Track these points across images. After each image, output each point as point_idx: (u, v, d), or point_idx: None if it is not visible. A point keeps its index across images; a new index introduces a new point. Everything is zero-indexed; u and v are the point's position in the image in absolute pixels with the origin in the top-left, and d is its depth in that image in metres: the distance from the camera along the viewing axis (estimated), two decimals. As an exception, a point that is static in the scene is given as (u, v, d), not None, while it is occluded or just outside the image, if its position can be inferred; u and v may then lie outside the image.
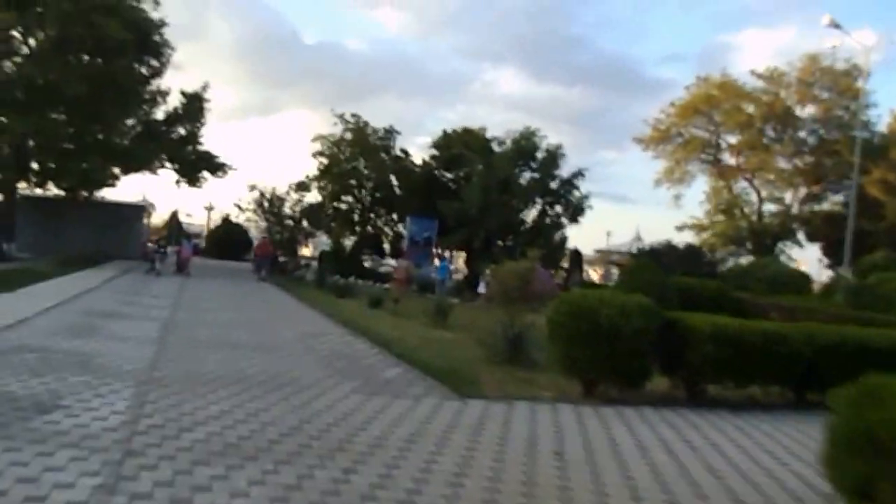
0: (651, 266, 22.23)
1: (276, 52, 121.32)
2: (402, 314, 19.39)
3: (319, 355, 11.01)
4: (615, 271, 42.57)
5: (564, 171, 35.22)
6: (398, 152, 43.05)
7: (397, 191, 42.53)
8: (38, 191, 32.48)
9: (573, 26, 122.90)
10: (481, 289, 26.41)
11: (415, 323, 17.53)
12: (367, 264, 36.60)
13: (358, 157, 42.23)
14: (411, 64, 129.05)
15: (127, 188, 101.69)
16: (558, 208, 34.92)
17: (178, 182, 34.89)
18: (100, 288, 18.87)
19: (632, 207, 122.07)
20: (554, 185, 34.77)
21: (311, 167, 42.72)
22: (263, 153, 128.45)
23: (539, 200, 34.64)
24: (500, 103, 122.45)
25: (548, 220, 34.80)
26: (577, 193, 34.78)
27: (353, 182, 42.47)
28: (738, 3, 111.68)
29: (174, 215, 51.60)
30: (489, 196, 32.46)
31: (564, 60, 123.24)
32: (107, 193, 37.33)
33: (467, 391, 8.99)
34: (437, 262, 33.38)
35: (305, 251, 52.01)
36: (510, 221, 33.36)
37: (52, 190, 32.32)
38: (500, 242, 33.96)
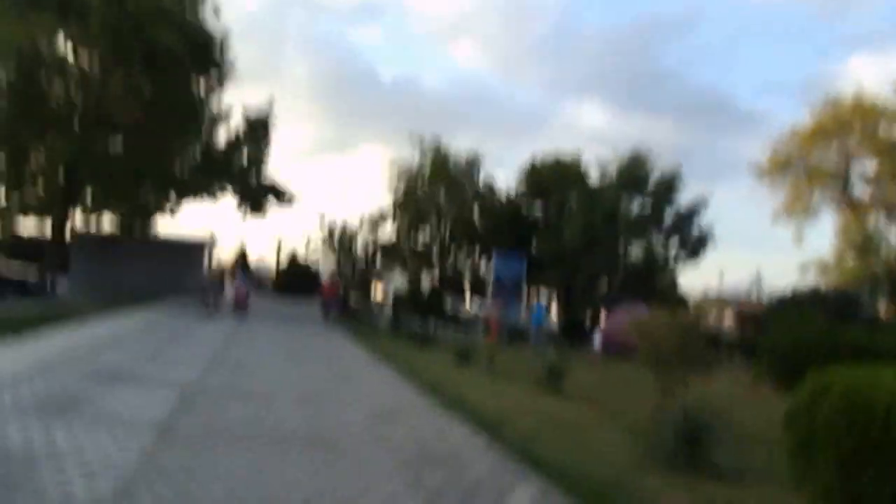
0: (808, 316, 17.57)
1: (352, 89, 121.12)
2: (501, 374, 15.34)
3: (400, 456, 7.04)
4: (727, 319, 37.27)
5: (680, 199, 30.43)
6: (481, 186, 39.44)
7: (479, 226, 38.80)
8: (93, 227, 30.11)
9: (662, 57, 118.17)
10: (596, 342, 22.05)
11: (519, 388, 13.44)
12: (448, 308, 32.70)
13: (438, 186, 38.84)
14: (489, 98, 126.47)
15: (193, 223, 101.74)
16: (673, 244, 30.16)
17: (239, 207, 31.99)
18: (131, 333, 15.56)
19: (729, 248, 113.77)
20: (669, 216, 30.10)
21: (387, 202, 39.55)
22: (339, 190, 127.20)
23: (652, 236, 29.97)
24: (583, 137, 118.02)
25: (659, 259, 30.10)
26: (697, 226, 29.95)
27: (431, 214, 39.01)
28: (845, 28, 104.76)
29: (241, 253, 49.42)
30: (592, 231, 28.17)
31: (652, 93, 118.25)
32: (171, 229, 35.11)
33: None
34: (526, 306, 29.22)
35: (378, 290, 48.73)
36: (615, 260, 28.93)
37: (106, 227, 29.87)
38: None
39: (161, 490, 5.05)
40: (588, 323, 29.85)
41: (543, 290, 36.94)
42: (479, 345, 20.85)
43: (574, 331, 28.47)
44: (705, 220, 30.32)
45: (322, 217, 34.25)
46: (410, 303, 28.66)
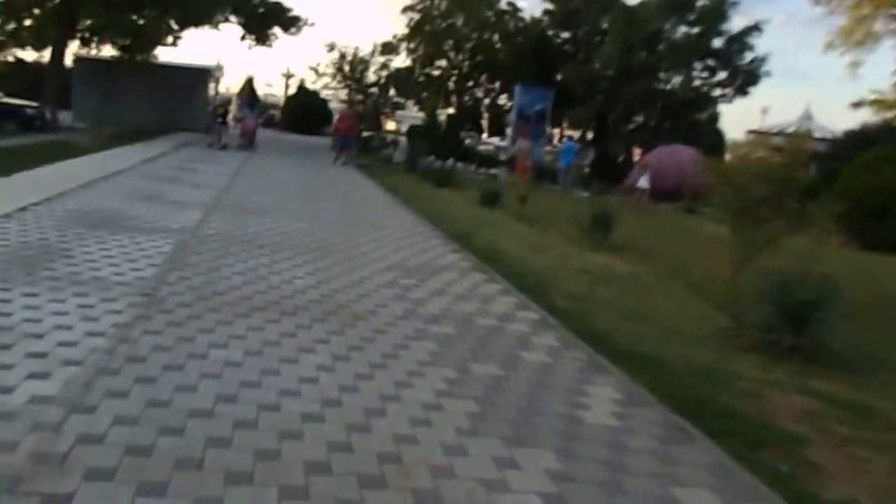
0: (887, 155, 15.46)
1: None
2: (534, 220, 13.61)
3: (436, 332, 5.41)
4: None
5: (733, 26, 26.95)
6: (504, 5, 35.64)
7: (501, 54, 35.55)
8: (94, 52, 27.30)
9: None
10: (642, 183, 20.04)
11: (559, 238, 11.76)
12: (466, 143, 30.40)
13: (455, 11, 35.22)
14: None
15: (199, 53, 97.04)
16: (722, 75, 27.06)
17: (243, 38, 29.07)
18: (131, 171, 13.74)
19: (779, 81, 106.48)
20: (718, 43, 26.78)
21: (400, 26, 36.05)
22: (349, 15, 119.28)
23: (697, 64, 26.86)
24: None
25: (705, 90, 27.18)
26: (748, 56, 26.73)
27: (448, 43, 35.70)
28: None
29: (248, 82, 46.29)
30: (631, 57, 25.23)
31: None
32: (175, 58, 32.30)
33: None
34: (556, 142, 26.96)
35: (390, 125, 46.01)
36: (653, 92, 26.16)
37: (110, 52, 27.06)
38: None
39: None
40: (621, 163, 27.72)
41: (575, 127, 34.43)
42: (503, 185, 19.04)
43: (607, 171, 26.39)
44: (758, 49, 26.98)
45: (331, 44, 31.03)
46: (427, 139, 26.46)
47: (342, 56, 31.60)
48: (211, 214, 9.62)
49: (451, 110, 35.73)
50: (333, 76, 32.18)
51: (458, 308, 6.28)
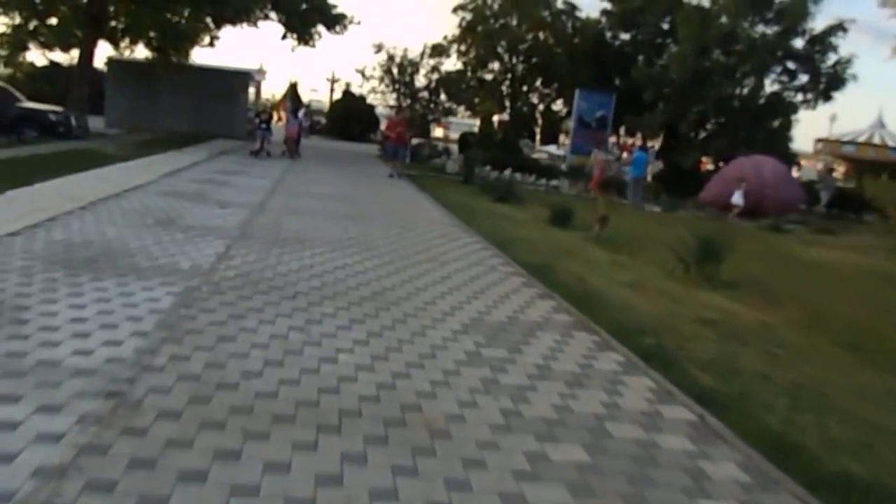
0: None
1: None
2: (616, 243, 11.55)
3: (560, 462, 3.40)
4: (837, 171, 31.81)
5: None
6: (560, 4, 33.40)
7: (557, 57, 33.32)
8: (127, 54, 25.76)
9: None
10: (736, 199, 17.74)
11: (652, 268, 9.73)
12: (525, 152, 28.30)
13: (510, 11, 33.20)
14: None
15: (240, 56, 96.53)
16: (803, 79, 24.44)
17: (284, 37, 27.28)
18: (152, 185, 12.07)
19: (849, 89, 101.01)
20: (799, 43, 24.23)
21: (450, 26, 34.16)
22: (393, 11, 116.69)
23: (775, 67, 24.30)
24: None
25: (785, 95, 24.60)
26: (832, 57, 24.12)
27: (502, 44, 33.66)
28: None
29: (292, 86, 45.05)
30: (706, 58, 22.91)
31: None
32: (214, 60, 30.82)
33: None
34: (624, 153, 24.74)
35: (437, 132, 44.06)
36: (729, 96, 23.71)
37: (144, 54, 25.52)
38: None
39: None
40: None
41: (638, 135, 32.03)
42: (570, 200, 16.98)
43: (675, 183, 24.06)
44: (841, 52, 24.32)
45: (379, 45, 29.16)
46: (481, 147, 24.46)
47: (390, 58, 29.79)
48: (235, 246, 7.76)
49: (504, 116, 33.64)
50: (381, 79, 30.38)
51: (578, 406, 4.25)
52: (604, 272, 9.11)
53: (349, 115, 37.12)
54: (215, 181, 13.61)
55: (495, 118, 31.10)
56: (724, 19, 24.69)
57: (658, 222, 16.78)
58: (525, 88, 34.79)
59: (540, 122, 37.50)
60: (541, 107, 37.08)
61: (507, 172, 22.84)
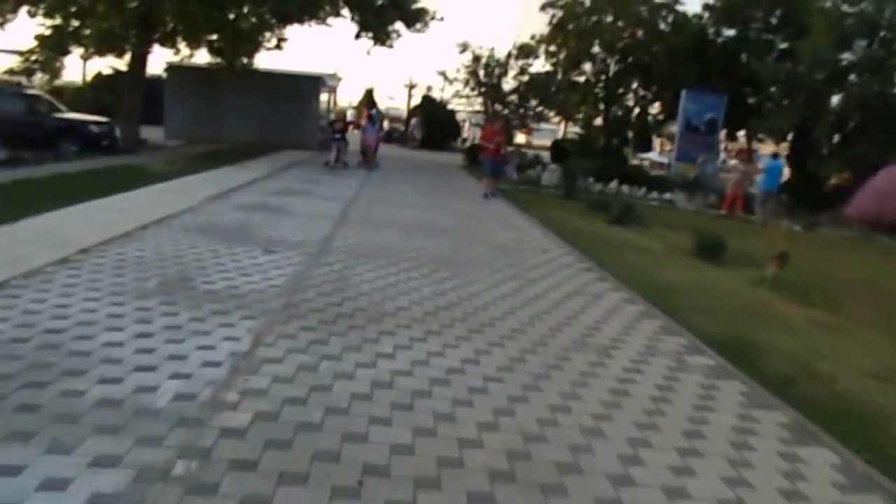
0: None
1: None
2: (805, 291, 8.41)
3: None
4: None
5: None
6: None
7: (655, 56, 29.84)
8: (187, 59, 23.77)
9: None
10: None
11: (883, 338, 6.61)
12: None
13: (604, 7, 29.92)
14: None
15: (313, 61, 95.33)
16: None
17: (358, 36, 24.64)
18: (188, 213, 9.60)
19: None
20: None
21: (539, 25, 31.07)
22: (477, 10, 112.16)
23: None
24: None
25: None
26: None
27: (595, 43, 30.40)
28: None
29: (368, 93, 42.98)
30: (848, 50, 19.34)
31: None
32: (283, 65, 28.58)
33: None
34: (756, 162, 21.15)
35: (519, 138, 40.96)
36: (876, 95, 19.93)
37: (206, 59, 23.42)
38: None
39: None
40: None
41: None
42: (695, 219, 13.83)
43: (807, 195, 20.45)
44: None
45: (464, 44, 26.21)
46: (581, 156, 21.35)
47: (476, 59, 26.89)
48: (273, 331, 4.91)
49: (598, 121, 30.36)
50: (466, 82, 27.53)
51: None
52: (827, 350, 6.06)
53: (430, 122, 34.31)
54: (269, 207, 10.95)
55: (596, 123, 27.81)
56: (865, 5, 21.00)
57: (822, 247, 13.41)
58: (620, 91, 31.43)
59: (637, 126, 33.96)
60: (636, 110, 33.60)
61: (613, 185, 19.71)
